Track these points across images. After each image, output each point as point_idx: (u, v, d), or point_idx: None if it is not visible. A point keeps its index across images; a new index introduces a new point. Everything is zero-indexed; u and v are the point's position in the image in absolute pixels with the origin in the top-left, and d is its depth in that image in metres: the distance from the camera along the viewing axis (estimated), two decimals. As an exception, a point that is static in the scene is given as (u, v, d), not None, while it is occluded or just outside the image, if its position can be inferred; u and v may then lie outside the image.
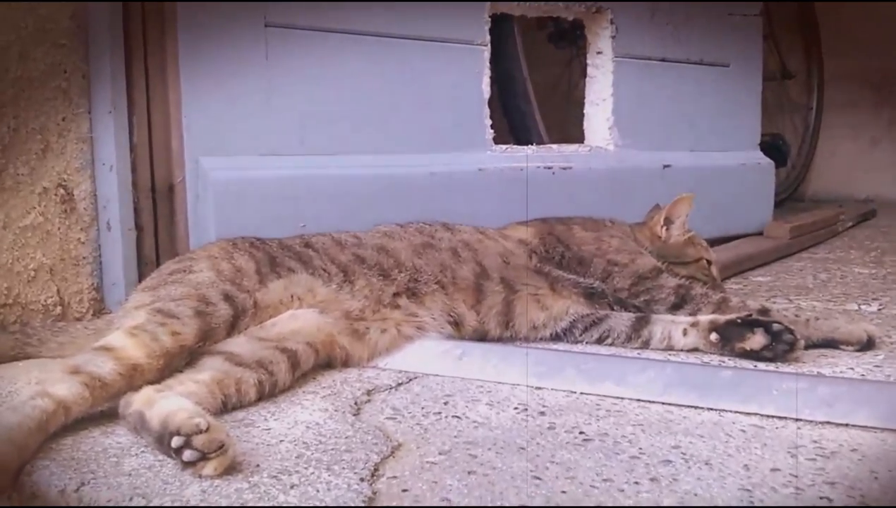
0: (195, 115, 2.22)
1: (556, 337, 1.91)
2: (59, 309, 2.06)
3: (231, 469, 1.21)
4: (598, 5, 3.03)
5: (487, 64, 2.76)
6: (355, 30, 2.49)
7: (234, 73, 2.28)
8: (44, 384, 1.37)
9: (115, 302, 2.14)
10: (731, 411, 1.48)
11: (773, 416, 1.46)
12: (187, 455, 1.19)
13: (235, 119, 2.28)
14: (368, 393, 1.60)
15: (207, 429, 1.20)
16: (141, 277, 2.17)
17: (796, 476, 1.22)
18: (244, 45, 2.29)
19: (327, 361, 1.73)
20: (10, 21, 1.96)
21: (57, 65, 2.06)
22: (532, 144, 3.04)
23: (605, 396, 1.56)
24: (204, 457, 1.19)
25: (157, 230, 2.23)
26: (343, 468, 1.23)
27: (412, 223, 2.06)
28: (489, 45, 2.77)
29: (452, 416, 1.47)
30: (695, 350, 1.83)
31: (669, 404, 1.52)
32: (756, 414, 1.46)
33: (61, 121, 2.07)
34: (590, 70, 3.12)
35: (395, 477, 1.21)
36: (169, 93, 2.20)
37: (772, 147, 4.06)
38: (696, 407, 1.50)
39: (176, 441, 1.20)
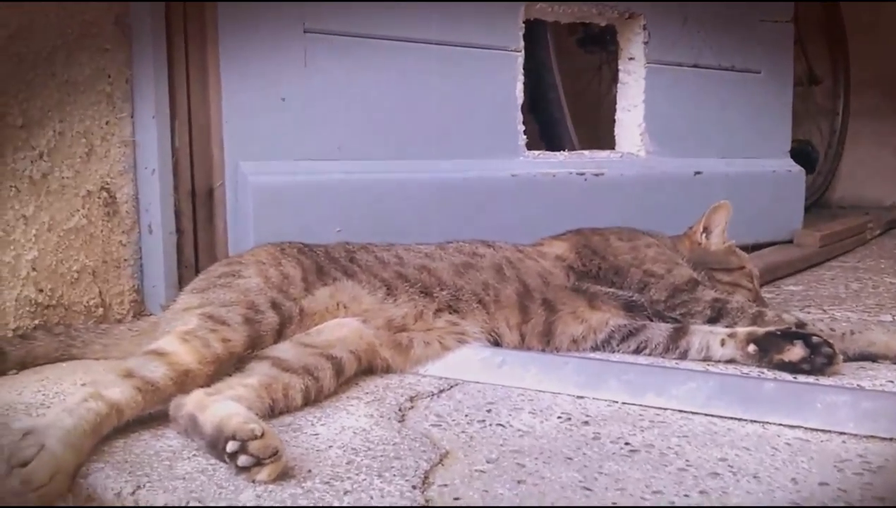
0: (235, 120, 2.24)
1: (593, 348, 1.92)
2: (100, 310, 2.09)
3: (284, 475, 1.23)
4: (632, 11, 3.03)
5: (521, 70, 2.77)
6: (391, 36, 2.51)
7: (274, 79, 2.30)
8: (97, 386, 1.39)
9: (155, 304, 2.17)
10: (774, 423, 1.48)
11: (817, 430, 1.46)
12: (242, 460, 1.21)
13: (274, 124, 2.31)
14: (411, 399, 1.62)
15: (262, 435, 1.22)
16: (181, 280, 2.20)
17: (845, 491, 1.22)
18: (283, 52, 2.32)
19: (369, 368, 1.75)
20: (56, 26, 1.99)
21: (101, 69, 2.09)
22: (564, 150, 3.05)
23: (647, 407, 1.57)
24: (258, 462, 1.21)
25: (197, 233, 2.26)
26: (394, 475, 1.24)
27: (451, 242, 2.07)
28: (523, 51, 2.78)
29: (497, 424, 1.48)
30: (732, 361, 1.83)
31: (712, 415, 1.52)
32: (800, 427, 1.47)
33: (105, 125, 2.10)
34: (621, 76, 3.13)
35: (445, 486, 1.22)
36: (210, 98, 2.23)
37: (801, 153, 4.04)
38: (739, 419, 1.50)
39: (231, 446, 1.22)
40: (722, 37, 3.29)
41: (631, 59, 3.10)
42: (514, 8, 2.75)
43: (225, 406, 1.33)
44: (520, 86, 2.78)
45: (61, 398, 1.63)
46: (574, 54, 3.70)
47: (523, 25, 2.78)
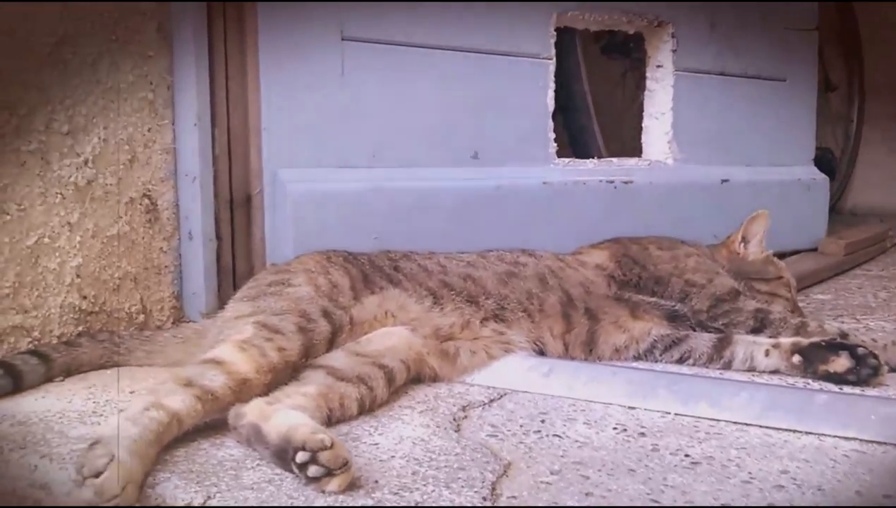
0: (274, 128, 2.25)
1: (636, 358, 1.93)
2: (141, 317, 2.10)
3: (352, 486, 1.23)
4: (660, 19, 3.04)
5: (552, 77, 2.78)
6: (426, 43, 2.52)
7: (312, 87, 2.31)
8: (156, 395, 1.40)
9: (194, 310, 2.18)
10: (830, 435, 1.48)
11: (872, 441, 1.46)
12: (313, 470, 1.22)
13: (312, 131, 2.31)
14: (463, 409, 1.62)
15: (332, 446, 1.23)
16: (219, 287, 2.21)
17: (910, 504, 1.23)
18: (321, 59, 2.32)
19: (416, 377, 1.76)
20: (101, 33, 2.00)
21: (144, 76, 2.09)
22: (592, 158, 3.06)
23: (700, 418, 1.57)
24: (329, 473, 1.21)
25: (234, 240, 2.26)
26: (462, 486, 1.25)
27: (490, 250, 2.07)
28: (554, 59, 2.78)
29: (553, 435, 1.49)
30: (776, 371, 1.83)
31: (767, 427, 1.52)
32: (856, 438, 1.47)
33: (147, 132, 2.11)
34: (649, 83, 3.13)
35: (514, 497, 1.22)
36: (249, 105, 2.24)
37: (822, 161, 4.05)
38: (794, 431, 1.51)
39: (301, 457, 1.22)
40: (748, 45, 3.30)
41: (659, 66, 3.10)
42: (545, 16, 2.76)
43: (289, 415, 1.33)
44: (551, 94, 2.78)
45: (112, 406, 1.64)
46: (598, 61, 3.71)
47: (554, 33, 2.78)
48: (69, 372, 1.82)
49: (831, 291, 2.96)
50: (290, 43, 2.27)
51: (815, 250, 3.47)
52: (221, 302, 2.20)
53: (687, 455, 1.39)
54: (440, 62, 2.54)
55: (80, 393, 1.71)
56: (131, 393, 1.71)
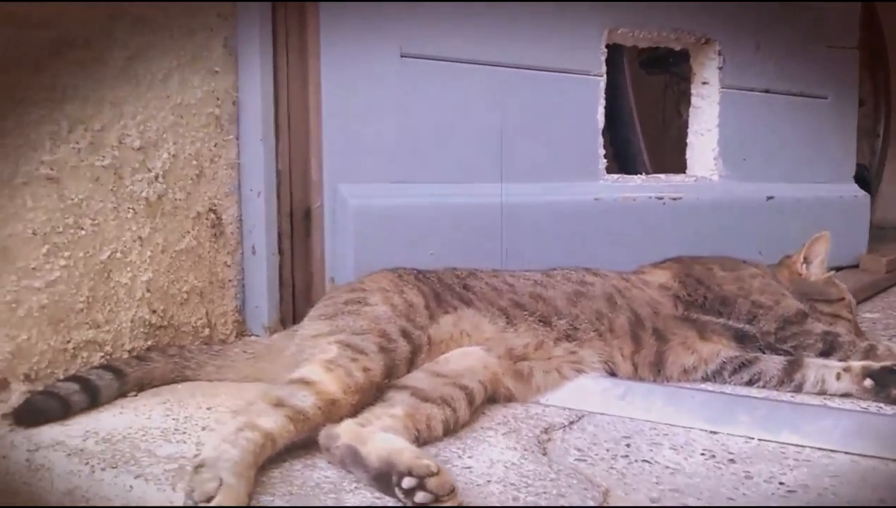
0: (335, 143, 2.25)
1: (704, 379, 1.92)
2: (206, 331, 2.11)
3: (458, 512, 1.23)
4: (707, 36, 3.05)
5: (602, 94, 2.79)
6: (482, 60, 2.53)
7: (371, 102, 2.32)
8: (248, 415, 1.40)
9: (256, 324, 2.19)
10: (919, 463, 1.48)
11: (962, 470, 1.46)
12: (420, 497, 1.21)
13: (371, 147, 2.32)
14: (545, 431, 1.62)
15: (438, 472, 1.23)
16: (281, 301, 2.21)
17: None
18: (380, 76, 2.33)
19: (492, 398, 1.75)
20: (171, 48, 2.01)
21: (211, 92, 2.10)
22: (638, 173, 3.06)
23: (785, 444, 1.57)
24: (437, 500, 1.21)
25: (293, 254, 2.27)
26: (566, 514, 1.25)
27: (554, 269, 2.07)
28: (605, 76, 2.79)
29: (642, 461, 1.48)
30: (847, 395, 1.83)
31: (853, 454, 1.52)
32: (944, 468, 1.47)
33: (213, 148, 2.11)
34: (694, 100, 3.14)
35: (619, 526, 1.23)
36: (310, 120, 2.24)
37: (858, 178, 4.04)
38: (882, 458, 1.50)
39: (408, 483, 1.22)
40: (792, 63, 3.31)
41: (705, 83, 3.11)
42: (597, 33, 2.77)
43: (387, 439, 1.33)
44: (601, 110, 2.79)
45: (192, 423, 1.64)
46: (638, 76, 3.71)
47: (605, 50, 2.79)
48: (141, 386, 1.82)
49: (878, 309, 2.95)
50: (350, 60, 2.28)
51: (856, 267, 3.47)
52: (282, 316, 2.22)
53: (782, 484, 1.39)
54: (497, 78, 2.55)
55: (156, 409, 1.71)
56: (208, 409, 1.72)
